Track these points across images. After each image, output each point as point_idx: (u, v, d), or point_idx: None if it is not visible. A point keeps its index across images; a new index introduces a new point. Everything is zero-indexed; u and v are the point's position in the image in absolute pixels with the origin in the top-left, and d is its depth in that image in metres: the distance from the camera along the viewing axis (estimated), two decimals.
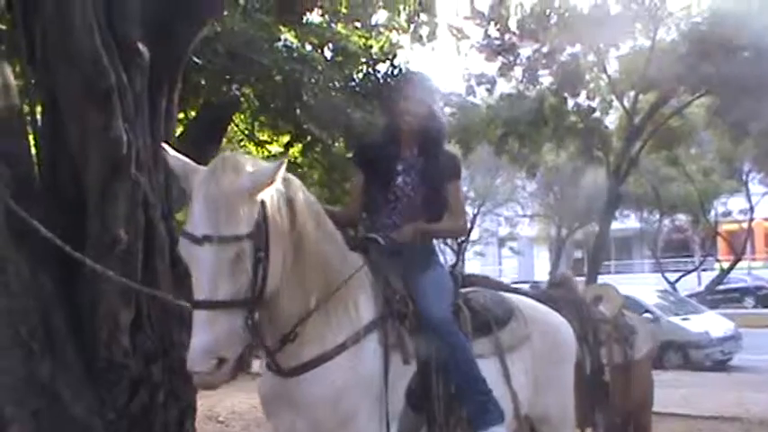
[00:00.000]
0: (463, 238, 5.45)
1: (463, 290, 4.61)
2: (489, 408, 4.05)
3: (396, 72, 11.61)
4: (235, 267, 3.21)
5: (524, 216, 48.01)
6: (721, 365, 18.55)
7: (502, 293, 4.83)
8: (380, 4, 12.09)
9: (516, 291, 5.96)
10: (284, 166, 3.31)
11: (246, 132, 12.99)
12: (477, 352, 4.23)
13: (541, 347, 4.64)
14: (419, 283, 4.15)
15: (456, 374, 4.01)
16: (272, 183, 3.29)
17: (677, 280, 34.40)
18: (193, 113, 9.57)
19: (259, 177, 3.28)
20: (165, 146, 3.57)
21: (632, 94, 23.50)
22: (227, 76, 9.42)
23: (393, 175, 4.41)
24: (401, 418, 3.87)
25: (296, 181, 3.72)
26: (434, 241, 4.66)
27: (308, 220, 3.64)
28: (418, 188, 4.39)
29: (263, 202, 3.32)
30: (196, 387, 3.40)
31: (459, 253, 5.53)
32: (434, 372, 3.98)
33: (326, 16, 11.43)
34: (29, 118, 6.20)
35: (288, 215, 3.50)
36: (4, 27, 6.84)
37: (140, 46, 5.90)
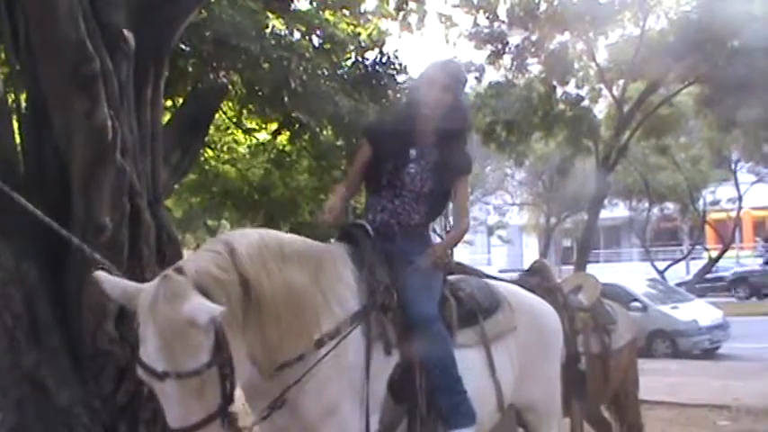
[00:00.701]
0: (452, 227, 5.40)
1: (451, 277, 4.58)
2: (461, 410, 4.01)
3: (384, 60, 11.57)
4: (201, 392, 3.09)
5: (513, 205, 48.06)
6: (709, 354, 18.63)
7: (489, 282, 4.81)
8: None
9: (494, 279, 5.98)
10: (221, 311, 3.04)
11: (234, 120, 12.95)
12: (462, 342, 4.22)
13: (528, 337, 4.62)
14: (406, 276, 4.09)
15: (434, 372, 3.97)
16: (217, 319, 3.05)
17: (666, 269, 34.49)
18: (180, 101, 9.52)
19: (204, 312, 3.02)
20: (98, 274, 3.34)
21: (621, 82, 23.51)
22: (215, 64, 9.37)
23: (405, 159, 4.31)
24: (383, 410, 3.84)
25: (243, 245, 3.49)
26: (428, 233, 4.62)
27: (266, 278, 3.47)
28: (427, 179, 4.30)
29: (216, 320, 3.09)
30: None
31: None
32: (417, 364, 3.95)
33: (314, 3, 11.38)
34: (13, 105, 6.16)
35: (241, 296, 3.34)
36: None
37: (125, 32, 5.85)
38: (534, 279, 6.04)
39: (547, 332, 4.86)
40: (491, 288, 4.69)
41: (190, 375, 3.05)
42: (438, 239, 7.94)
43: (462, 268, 5.79)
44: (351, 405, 3.72)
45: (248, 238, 3.59)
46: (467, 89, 4.68)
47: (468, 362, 4.16)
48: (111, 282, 3.31)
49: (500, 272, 34.65)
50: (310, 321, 3.64)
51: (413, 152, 4.33)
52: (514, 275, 6.86)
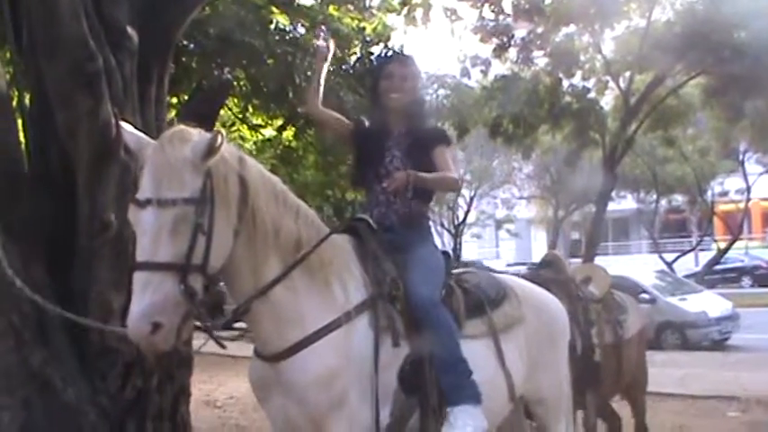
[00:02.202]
0: (460, 222, 5.42)
1: (457, 270, 4.58)
2: (465, 385, 3.99)
3: (390, 54, 11.54)
4: (175, 231, 3.24)
5: (521, 198, 48.06)
6: (719, 345, 18.57)
7: (495, 274, 4.81)
8: None
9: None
10: (222, 137, 3.31)
11: (240, 116, 12.94)
12: (470, 333, 4.21)
13: (535, 329, 4.61)
14: (408, 263, 4.12)
15: (438, 352, 3.96)
16: (213, 150, 3.29)
17: (674, 260, 34.40)
18: (185, 97, 9.52)
19: (200, 145, 3.30)
20: (122, 123, 3.67)
21: (628, 74, 23.45)
22: (219, 60, 9.36)
23: (383, 152, 4.41)
24: (394, 402, 3.83)
25: (252, 161, 3.75)
26: (427, 221, 4.62)
27: (263, 196, 3.64)
28: (404, 161, 4.34)
29: (209, 173, 3.34)
30: (146, 353, 3.43)
31: (457, 236, 5.49)
32: (427, 354, 3.93)
33: None
34: (17, 104, 6.16)
35: (239, 190, 3.50)
36: None
37: (129, 29, 5.85)
38: (548, 271, 6.05)
39: (554, 324, 4.85)
40: (497, 279, 4.69)
41: (167, 203, 3.24)
42: (445, 234, 7.92)
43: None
44: (359, 397, 3.71)
45: (258, 164, 3.84)
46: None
47: (477, 352, 4.15)
48: (131, 132, 3.58)
49: (508, 266, 34.74)
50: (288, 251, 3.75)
51: (389, 142, 4.43)
52: (523, 269, 6.86)
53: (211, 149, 3.28)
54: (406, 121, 4.47)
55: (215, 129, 3.43)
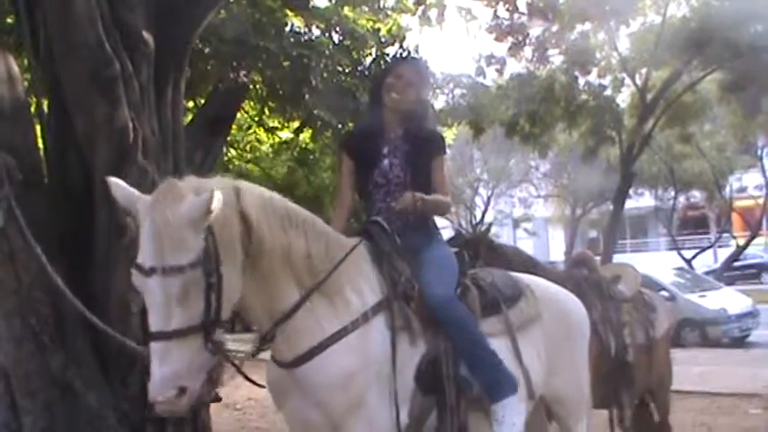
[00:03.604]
0: (477, 221, 5.41)
1: (471, 270, 4.57)
2: (501, 379, 4.01)
3: (405, 55, 11.54)
4: (185, 296, 3.16)
5: (538, 197, 47.96)
6: (739, 342, 18.47)
7: (511, 272, 4.78)
8: None
9: (543, 267, 5.97)
10: (217, 198, 3.16)
11: (256, 119, 12.96)
12: (487, 331, 4.18)
13: (553, 327, 4.57)
14: (420, 263, 4.12)
15: (464, 349, 3.96)
16: (210, 211, 3.16)
17: (693, 257, 34.21)
18: (202, 101, 9.55)
19: (198, 205, 3.16)
20: (110, 178, 3.45)
21: (644, 71, 23.39)
22: (235, 63, 9.36)
23: (380, 157, 4.37)
24: (411, 401, 3.83)
25: (249, 189, 3.62)
26: (434, 222, 4.60)
27: (266, 224, 3.55)
28: (405, 168, 4.33)
29: (209, 227, 3.23)
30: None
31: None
32: (444, 353, 3.93)
33: (333, 0, 11.35)
34: (35, 110, 6.20)
35: (240, 228, 3.42)
36: (9, 21, 6.83)
37: (145, 34, 5.88)
38: (581, 271, 6.03)
39: (572, 322, 4.81)
40: (512, 277, 4.65)
41: (173, 271, 3.12)
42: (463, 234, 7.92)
43: (516, 254, 5.84)
44: (378, 398, 3.71)
45: (256, 188, 3.71)
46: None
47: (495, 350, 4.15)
48: (119, 186, 3.40)
49: None
50: (317, 273, 3.73)
51: (385, 149, 4.38)
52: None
53: (208, 210, 3.15)
54: (404, 123, 4.41)
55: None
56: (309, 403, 3.70)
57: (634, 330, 5.96)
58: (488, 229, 6.32)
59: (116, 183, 3.41)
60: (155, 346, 3.17)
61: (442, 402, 3.91)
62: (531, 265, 5.76)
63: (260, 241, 3.49)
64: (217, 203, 3.15)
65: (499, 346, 4.21)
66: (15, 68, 5.78)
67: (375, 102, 4.58)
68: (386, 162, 4.35)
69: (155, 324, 3.18)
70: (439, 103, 22.25)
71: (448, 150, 4.60)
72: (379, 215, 4.29)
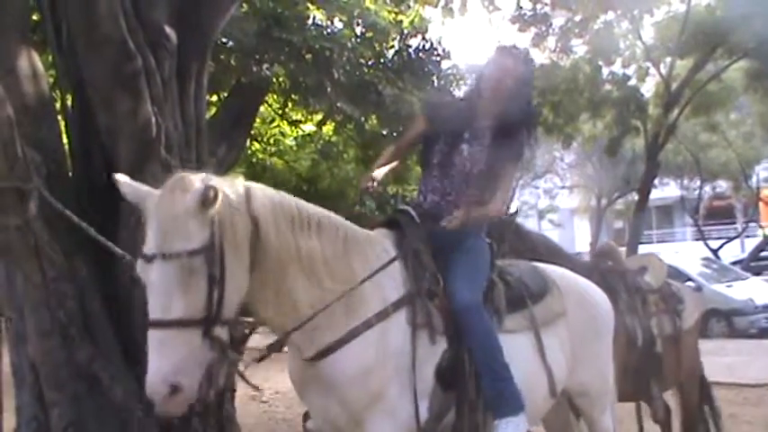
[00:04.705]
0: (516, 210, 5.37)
1: (500, 262, 4.54)
2: (507, 396, 3.96)
3: (427, 47, 11.52)
4: (186, 285, 3.13)
5: (563, 188, 47.78)
6: (766, 333, 18.31)
7: (537, 265, 4.75)
8: None
9: (569, 257, 5.94)
10: (216, 191, 3.17)
11: (279, 112, 12.99)
12: (511, 327, 4.18)
13: (578, 322, 4.56)
14: (451, 262, 4.07)
15: (478, 359, 3.93)
16: (209, 201, 3.16)
17: (720, 247, 33.93)
18: (225, 95, 9.58)
19: (197, 196, 3.17)
20: (117, 176, 3.48)
21: (668, 60, 23.22)
22: (257, 57, 9.38)
23: (458, 140, 4.30)
24: (431, 397, 3.83)
25: (261, 191, 3.59)
26: None
27: (276, 227, 3.52)
28: (477, 160, 4.26)
29: (215, 221, 3.22)
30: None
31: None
32: (465, 351, 3.92)
33: None
34: (59, 106, 6.24)
35: (249, 230, 3.40)
36: (34, 18, 6.88)
37: (167, 28, 5.90)
38: (607, 262, 6.01)
39: (597, 316, 4.79)
40: (540, 272, 4.63)
41: (173, 257, 3.12)
42: None
43: (545, 241, 5.82)
44: (397, 392, 3.71)
45: (267, 190, 3.67)
46: (530, 89, 4.65)
47: (518, 347, 4.12)
48: (128, 184, 3.43)
49: None
50: (343, 277, 3.70)
51: (466, 134, 4.31)
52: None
53: (207, 201, 3.15)
54: (497, 119, 4.31)
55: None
56: (330, 398, 3.71)
57: (661, 321, 5.95)
58: (515, 215, 6.29)
59: (125, 182, 3.43)
60: (152, 336, 3.13)
61: (461, 399, 3.90)
62: (557, 254, 5.73)
63: (269, 243, 3.46)
64: (214, 196, 3.15)
65: (523, 342, 4.21)
66: (40, 65, 5.83)
67: (474, 88, 4.51)
68: (463, 147, 4.29)
69: (154, 312, 3.14)
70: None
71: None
72: (432, 194, 4.27)
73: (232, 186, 3.40)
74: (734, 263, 28.78)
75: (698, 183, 36.75)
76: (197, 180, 3.27)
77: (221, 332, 3.25)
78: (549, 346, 4.33)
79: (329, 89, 10.02)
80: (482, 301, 4.06)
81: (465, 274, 4.05)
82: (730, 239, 36.34)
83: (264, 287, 3.50)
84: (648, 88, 25.10)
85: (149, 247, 3.18)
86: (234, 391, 6.40)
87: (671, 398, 6.56)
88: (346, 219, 3.95)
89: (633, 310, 5.72)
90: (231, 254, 3.27)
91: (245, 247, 3.37)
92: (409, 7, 12.12)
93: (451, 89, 11.52)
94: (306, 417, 4.09)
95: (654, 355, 5.78)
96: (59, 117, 6.13)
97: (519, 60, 4.46)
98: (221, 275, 3.22)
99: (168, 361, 3.10)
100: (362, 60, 10.74)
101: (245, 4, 8.58)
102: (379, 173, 4.30)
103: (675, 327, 6.05)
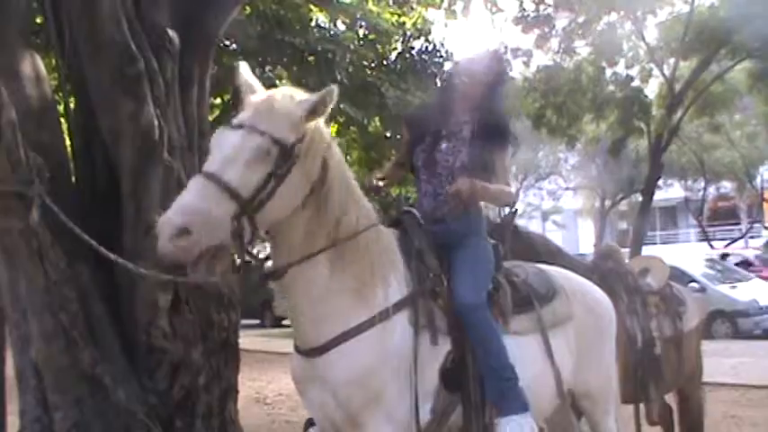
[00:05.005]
0: (507, 213, 5.33)
1: (506, 263, 4.52)
2: (510, 396, 3.94)
3: (430, 48, 11.54)
4: (252, 162, 3.25)
5: (567, 189, 47.78)
6: None
7: (544, 268, 4.73)
8: None
9: (569, 258, 5.92)
10: (330, 99, 3.43)
11: None
12: (517, 329, 4.16)
13: (584, 324, 4.55)
14: (455, 262, 4.07)
15: (482, 358, 3.92)
16: (317, 110, 3.42)
17: (727, 245, 33.84)
18: (228, 97, 9.59)
19: (307, 103, 3.41)
20: (241, 63, 3.73)
21: (672, 61, 23.20)
22: (260, 59, 9.41)
23: (436, 138, 4.30)
24: (435, 398, 3.82)
25: (338, 151, 3.75)
26: (480, 211, 4.53)
27: (337, 184, 3.64)
28: (458, 153, 4.24)
29: (302, 140, 3.41)
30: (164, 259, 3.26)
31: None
32: (469, 351, 3.91)
33: None
34: (62, 109, 6.25)
35: (319, 171, 3.53)
36: (37, 21, 6.89)
37: (169, 31, 5.91)
38: (607, 264, 6.00)
39: (602, 319, 4.77)
40: (546, 274, 4.59)
41: (257, 132, 3.30)
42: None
43: (544, 242, 5.80)
44: (397, 394, 3.69)
45: (341, 156, 3.84)
46: (515, 73, 4.72)
47: (525, 348, 4.11)
48: (246, 74, 3.69)
49: None
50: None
51: (444, 131, 4.31)
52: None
53: (316, 109, 3.40)
54: (473, 109, 4.31)
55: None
56: (328, 396, 3.71)
57: (661, 323, 5.93)
58: (514, 215, 6.28)
59: (245, 70, 3.70)
60: (196, 180, 3.24)
61: (466, 400, 3.90)
62: (558, 255, 5.72)
63: (328, 193, 3.59)
64: (328, 104, 3.44)
65: (530, 344, 4.19)
66: (42, 68, 5.83)
67: (447, 85, 4.63)
68: (442, 144, 4.28)
69: (211, 165, 3.26)
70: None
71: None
72: (426, 198, 4.27)
73: (324, 129, 3.61)
74: (738, 263, 28.73)
75: (702, 184, 36.82)
76: (307, 95, 3.50)
77: (246, 229, 3.30)
78: (557, 348, 4.31)
79: None
80: (486, 301, 4.05)
81: (468, 275, 4.03)
82: (734, 240, 36.40)
83: (302, 226, 3.57)
84: (652, 89, 25.06)
85: (240, 118, 3.39)
86: (237, 392, 6.40)
87: (671, 399, 6.55)
88: None
89: (633, 312, 5.71)
90: (298, 175, 3.42)
91: (309, 182, 3.51)
92: (412, 9, 12.13)
93: None
94: (308, 424, 4.09)
95: (653, 357, 5.77)
96: (62, 120, 6.14)
97: (490, 62, 4.46)
98: (281, 178, 3.34)
99: (194, 204, 3.14)
100: (365, 62, 10.77)
101: (247, 7, 8.59)
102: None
103: (676, 329, 6.03)
